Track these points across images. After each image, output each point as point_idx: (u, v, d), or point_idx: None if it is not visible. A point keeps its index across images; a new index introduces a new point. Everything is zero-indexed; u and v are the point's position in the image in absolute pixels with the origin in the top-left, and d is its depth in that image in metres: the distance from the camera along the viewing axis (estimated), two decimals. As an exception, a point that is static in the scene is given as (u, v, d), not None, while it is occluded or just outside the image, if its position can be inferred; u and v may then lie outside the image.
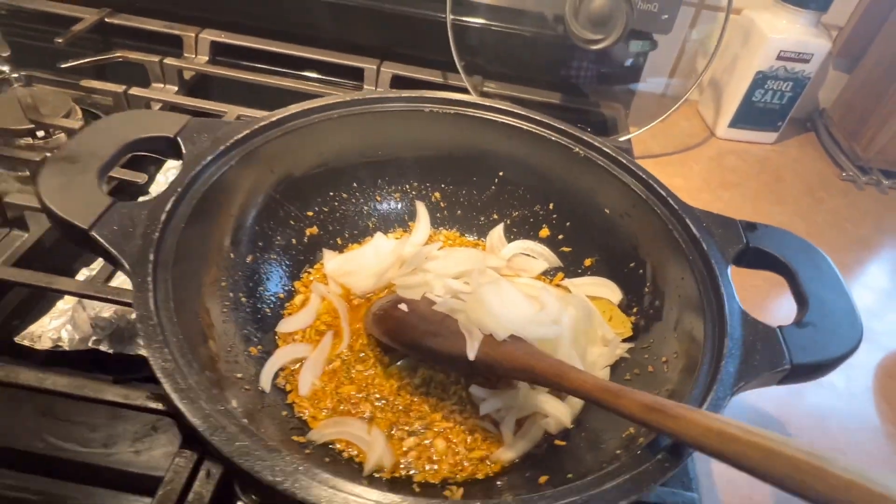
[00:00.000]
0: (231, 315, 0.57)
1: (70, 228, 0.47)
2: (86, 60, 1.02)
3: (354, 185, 0.72)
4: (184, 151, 0.56)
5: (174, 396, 0.39)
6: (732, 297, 0.51)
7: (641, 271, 0.63)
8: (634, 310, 0.63)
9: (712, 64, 1.03)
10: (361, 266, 0.69)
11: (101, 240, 0.47)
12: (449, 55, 1.03)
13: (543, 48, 1.09)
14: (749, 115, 1.14)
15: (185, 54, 1.09)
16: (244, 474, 0.36)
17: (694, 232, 0.57)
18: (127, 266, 0.46)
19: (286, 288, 0.66)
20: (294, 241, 0.68)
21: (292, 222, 0.68)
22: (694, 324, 0.51)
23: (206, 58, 1.09)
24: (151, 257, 0.46)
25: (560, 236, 0.72)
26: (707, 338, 0.49)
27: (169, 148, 0.57)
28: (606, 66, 1.13)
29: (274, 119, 0.62)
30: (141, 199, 0.68)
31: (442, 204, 0.76)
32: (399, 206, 0.75)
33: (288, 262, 0.67)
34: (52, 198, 0.47)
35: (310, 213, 0.70)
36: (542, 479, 0.48)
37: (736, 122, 1.15)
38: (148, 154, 0.70)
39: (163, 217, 0.50)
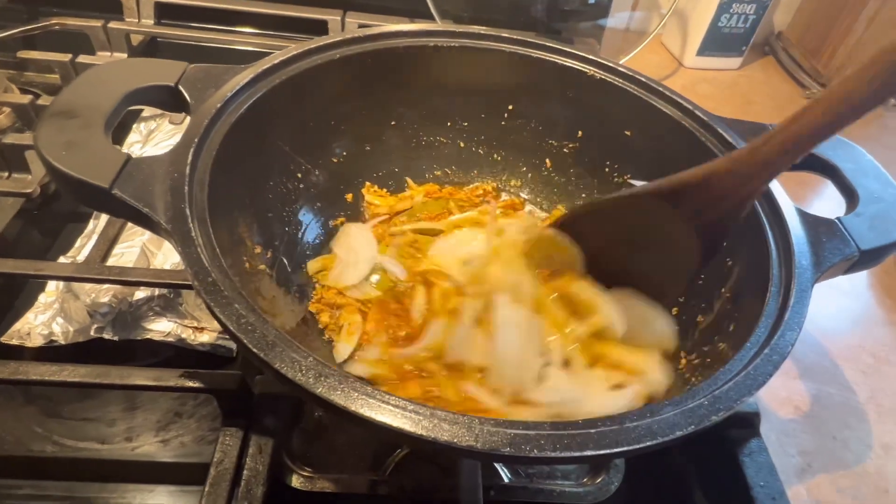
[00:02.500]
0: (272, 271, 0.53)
1: (87, 189, 0.41)
2: (13, 31, 0.90)
3: (362, 129, 0.67)
4: (189, 101, 0.50)
5: (261, 354, 0.34)
6: (785, 198, 0.51)
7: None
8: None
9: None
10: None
11: (128, 198, 0.41)
12: (413, 3, 0.99)
13: (512, -13, 1.06)
14: (715, 42, 1.15)
15: (127, 18, 0.98)
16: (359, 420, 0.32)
17: (729, 140, 0.57)
18: (163, 223, 0.40)
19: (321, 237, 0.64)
20: (316, 186, 0.65)
21: (310, 167, 0.64)
22: (754, 230, 0.51)
23: (152, 21, 0.99)
24: (188, 211, 0.41)
25: (574, 169, 0.71)
26: (771, 240, 0.49)
27: (170, 97, 0.51)
28: (573, 3, 1.11)
29: (276, 62, 0.57)
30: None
31: (461, 144, 0.73)
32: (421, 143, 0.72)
33: (318, 207, 0.65)
34: (59, 157, 0.41)
35: (333, 160, 0.66)
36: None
37: (703, 50, 1.16)
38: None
39: (187, 170, 0.44)
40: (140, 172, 0.43)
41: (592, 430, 0.34)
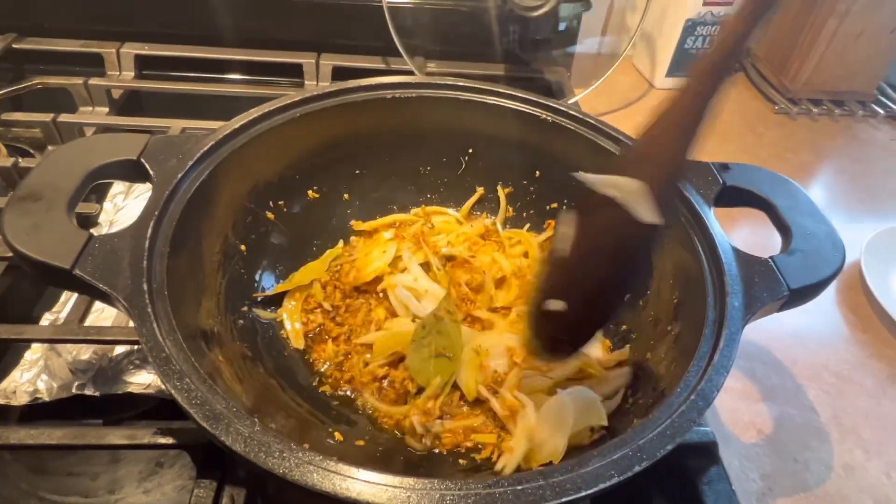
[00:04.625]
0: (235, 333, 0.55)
1: (50, 271, 0.44)
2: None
3: (327, 182, 0.70)
4: (151, 173, 0.53)
5: (206, 426, 0.37)
6: (722, 237, 0.53)
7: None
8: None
9: (647, 17, 1.06)
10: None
11: (88, 277, 0.44)
12: (386, 40, 1.01)
13: (480, 21, 1.09)
14: (683, 63, 1.18)
15: (109, 72, 1.02)
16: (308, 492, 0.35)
17: (673, 180, 0.59)
18: (122, 300, 0.43)
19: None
20: (281, 243, 0.67)
21: (274, 226, 0.66)
22: (691, 268, 0.53)
23: (132, 73, 1.03)
24: (145, 287, 0.44)
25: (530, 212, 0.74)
26: (708, 278, 0.51)
27: (133, 171, 0.54)
28: (544, 33, 1.14)
29: (237, 126, 0.60)
30: (95, 230, 0.64)
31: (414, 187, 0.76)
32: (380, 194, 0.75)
33: (281, 267, 0.67)
34: (23, 241, 0.44)
35: (296, 213, 0.69)
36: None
37: (672, 71, 1.19)
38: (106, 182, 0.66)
39: (146, 244, 0.47)
40: (101, 250, 0.46)
41: (519, 487, 0.36)
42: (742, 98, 1.22)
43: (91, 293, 0.45)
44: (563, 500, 0.36)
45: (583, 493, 0.36)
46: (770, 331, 0.78)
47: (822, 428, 0.68)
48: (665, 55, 1.18)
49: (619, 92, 1.22)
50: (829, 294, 0.84)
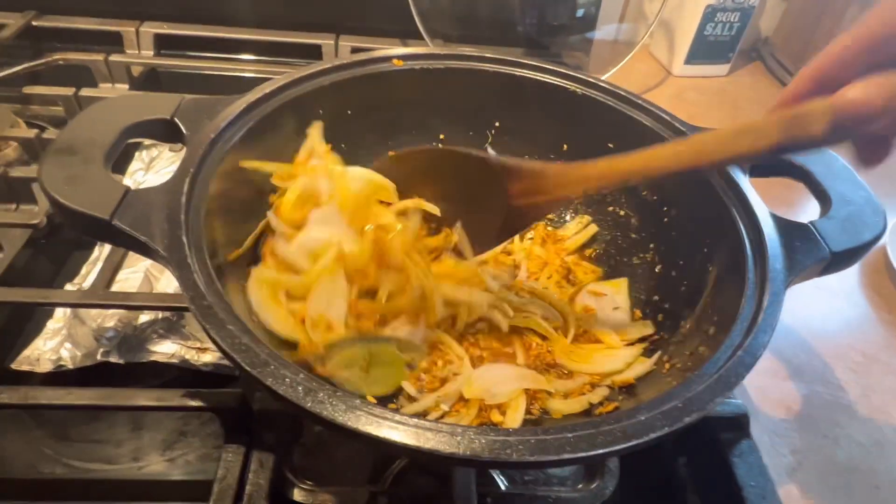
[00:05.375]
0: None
1: (89, 221, 0.43)
2: (19, 68, 0.94)
3: (353, 150, 0.70)
4: (185, 132, 0.53)
5: (253, 372, 0.36)
6: (760, 204, 0.53)
7: (656, 198, 0.64)
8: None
9: (666, 4, 1.06)
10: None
11: (127, 228, 0.43)
12: (405, 23, 1.01)
13: (499, 5, 1.09)
14: (702, 50, 1.17)
15: (128, 50, 1.02)
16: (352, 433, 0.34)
17: (706, 149, 0.58)
18: (161, 250, 0.42)
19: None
20: None
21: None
22: (727, 235, 0.53)
23: (152, 52, 1.02)
24: (184, 239, 0.43)
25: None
26: (747, 245, 0.50)
27: (167, 130, 0.54)
28: (562, 18, 1.14)
29: (268, 91, 0.59)
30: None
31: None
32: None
33: None
34: (62, 192, 0.43)
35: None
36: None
37: (690, 59, 1.18)
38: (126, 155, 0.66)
39: (182, 199, 0.47)
40: (139, 203, 0.46)
41: (570, 435, 0.35)
42: (759, 86, 1.22)
43: (129, 245, 0.44)
44: (613, 448, 0.36)
45: (633, 443, 0.36)
46: (796, 311, 0.77)
47: (851, 405, 0.68)
48: (684, 43, 1.17)
49: (637, 79, 1.22)
50: (853, 277, 0.84)
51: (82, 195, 0.44)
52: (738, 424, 0.58)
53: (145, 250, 0.44)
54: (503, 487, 0.59)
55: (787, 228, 0.51)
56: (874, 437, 0.65)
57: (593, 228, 0.71)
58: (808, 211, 0.62)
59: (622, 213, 0.70)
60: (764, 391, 0.68)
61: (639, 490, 0.61)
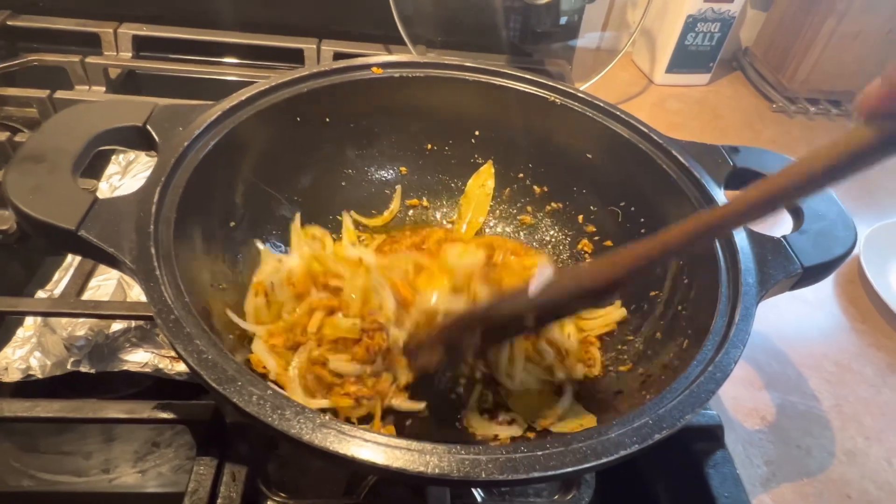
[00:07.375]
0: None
1: (54, 232, 0.42)
2: (-8, 69, 0.92)
3: (332, 160, 0.69)
4: (157, 140, 0.52)
5: (219, 388, 0.36)
6: (734, 217, 0.53)
7: (633, 208, 0.65)
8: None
9: (647, 13, 1.07)
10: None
11: (93, 238, 0.42)
12: (387, 28, 1.01)
13: (483, 11, 1.09)
14: (683, 59, 1.18)
15: (106, 52, 1.00)
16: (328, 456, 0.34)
17: (683, 161, 0.59)
18: (128, 262, 0.42)
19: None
20: (286, 215, 0.66)
21: (279, 198, 0.65)
22: (708, 251, 0.53)
23: (130, 54, 1.01)
24: (153, 250, 0.43)
25: (544, 187, 0.73)
26: (719, 258, 0.51)
27: (139, 138, 0.53)
28: (545, 25, 1.14)
29: (244, 98, 0.59)
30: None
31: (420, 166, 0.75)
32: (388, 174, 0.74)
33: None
34: (27, 201, 0.43)
35: (302, 190, 0.67)
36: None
37: (672, 67, 1.19)
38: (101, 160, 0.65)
39: (153, 209, 0.46)
40: (107, 213, 0.45)
41: (540, 453, 0.35)
42: (740, 95, 1.23)
43: (96, 256, 0.44)
44: (583, 466, 0.35)
45: (603, 461, 0.36)
46: (770, 321, 0.78)
47: (824, 415, 0.69)
48: (665, 52, 1.18)
49: (619, 87, 1.22)
50: (828, 287, 0.85)
51: (48, 205, 0.43)
52: (713, 435, 0.58)
53: (113, 262, 0.43)
54: (479, 499, 0.59)
55: (760, 242, 0.51)
56: (846, 447, 0.65)
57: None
58: (780, 225, 0.62)
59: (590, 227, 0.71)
60: (738, 401, 0.69)
61: (614, 500, 0.61)
